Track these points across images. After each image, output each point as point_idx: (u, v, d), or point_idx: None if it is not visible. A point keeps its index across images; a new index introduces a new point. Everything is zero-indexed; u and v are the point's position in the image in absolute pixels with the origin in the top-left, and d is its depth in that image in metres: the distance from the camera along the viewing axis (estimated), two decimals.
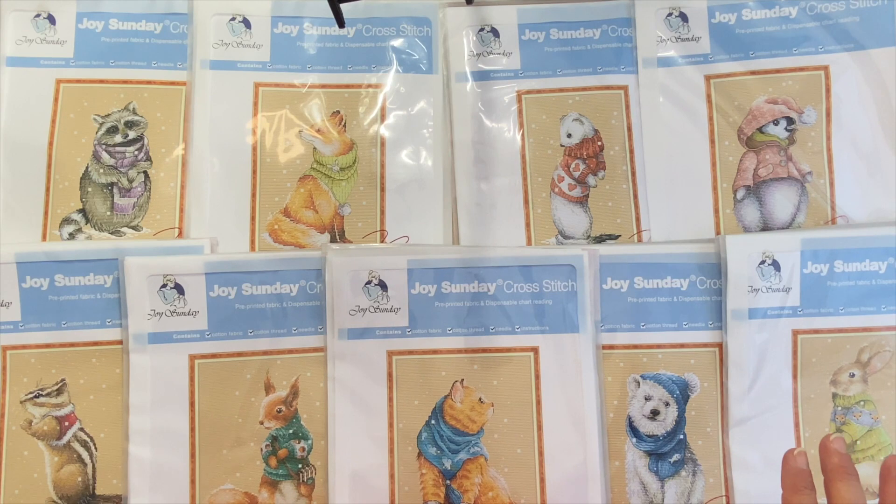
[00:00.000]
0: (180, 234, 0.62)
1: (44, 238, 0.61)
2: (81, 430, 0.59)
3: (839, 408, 0.60)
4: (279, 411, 0.59)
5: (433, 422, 0.59)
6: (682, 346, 0.60)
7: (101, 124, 0.63)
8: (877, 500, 0.59)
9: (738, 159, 0.63)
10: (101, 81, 0.63)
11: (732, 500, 0.59)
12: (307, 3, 0.65)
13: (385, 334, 0.59)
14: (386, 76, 0.65)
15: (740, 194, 0.63)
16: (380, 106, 0.64)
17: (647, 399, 0.60)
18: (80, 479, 0.59)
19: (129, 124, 0.63)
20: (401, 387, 0.59)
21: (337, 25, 0.50)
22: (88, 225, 0.62)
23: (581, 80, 0.65)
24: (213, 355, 0.59)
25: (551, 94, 0.64)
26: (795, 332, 0.59)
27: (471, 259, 0.60)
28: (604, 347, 0.60)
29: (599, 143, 0.64)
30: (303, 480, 0.59)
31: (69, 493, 0.59)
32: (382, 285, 0.60)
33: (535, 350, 0.60)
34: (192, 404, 0.59)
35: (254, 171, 0.63)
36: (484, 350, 0.60)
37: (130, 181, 0.62)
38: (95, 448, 0.59)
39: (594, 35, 0.65)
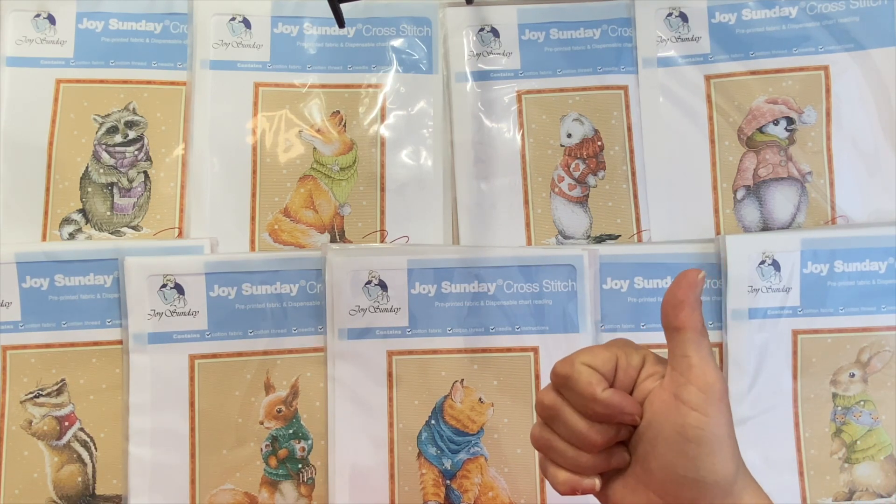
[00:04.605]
0: (180, 234, 0.62)
1: (44, 238, 0.61)
2: (81, 430, 0.59)
3: (839, 408, 0.60)
4: (279, 411, 0.59)
5: (433, 422, 0.59)
6: None
7: (101, 124, 0.63)
8: (876, 500, 0.59)
9: (738, 159, 0.63)
10: (101, 81, 0.63)
11: None
12: (307, 3, 0.65)
13: (385, 334, 0.59)
14: (386, 76, 0.65)
15: (740, 194, 0.63)
16: (380, 106, 0.64)
17: None
18: (80, 479, 0.59)
19: (129, 124, 0.63)
20: (401, 387, 0.59)
21: (337, 25, 0.50)
22: (88, 225, 0.62)
23: (581, 80, 0.65)
24: (213, 355, 0.59)
25: (551, 94, 0.64)
26: (795, 332, 0.59)
27: (471, 259, 0.60)
28: None
29: (599, 143, 0.64)
30: (303, 480, 0.59)
31: (69, 493, 0.59)
32: (382, 285, 0.60)
33: (535, 350, 0.60)
34: (192, 404, 0.59)
35: (254, 171, 0.63)
36: (484, 350, 0.60)
37: (130, 181, 0.62)
38: (95, 448, 0.59)
39: (594, 35, 0.65)
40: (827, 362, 0.59)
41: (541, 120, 0.64)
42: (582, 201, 0.63)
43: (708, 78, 0.64)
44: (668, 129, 0.64)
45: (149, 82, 0.63)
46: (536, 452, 0.59)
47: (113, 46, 0.64)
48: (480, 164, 0.63)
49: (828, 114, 0.63)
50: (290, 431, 0.59)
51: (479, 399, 0.60)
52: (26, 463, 0.59)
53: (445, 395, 0.60)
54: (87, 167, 0.62)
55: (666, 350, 0.60)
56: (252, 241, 0.62)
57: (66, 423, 0.59)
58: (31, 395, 0.59)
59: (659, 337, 0.60)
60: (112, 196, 0.62)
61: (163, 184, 0.62)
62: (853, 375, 0.60)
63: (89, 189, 0.62)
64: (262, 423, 0.59)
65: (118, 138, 0.62)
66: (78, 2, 0.64)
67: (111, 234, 0.62)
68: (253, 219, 0.62)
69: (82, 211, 0.62)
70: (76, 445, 0.59)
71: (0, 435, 0.59)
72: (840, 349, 0.59)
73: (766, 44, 0.64)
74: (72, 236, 0.61)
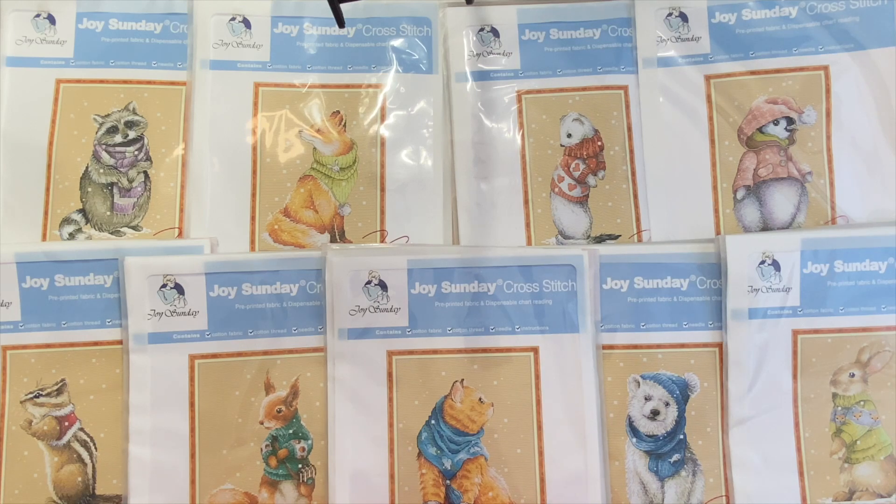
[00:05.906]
0: (180, 234, 0.62)
1: (44, 238, 0.61)
2: (81, 430, 0.59)
3: (839, 408, 0.60)
4: (279, 411, 0.59)
5: (433, 422, 0.59)
6: (682, 346, 0.60)
7: (101, 124, 0.63)
8: (875, 500, 0.59)
9: (738, 159, 0.63)
10: (101, 81, 0.63)
11: (732, 500, 0.59)
12: (307, 3, 0.65)
13: (385, 334, 0.60)
14: (386, 76, 0.65)
15: (740, 194, 0.63)
16: (380, 106, 0.64)
17: (647, 399, 0.60)
18: (80, 479, 0.59)
19: (129, 124, 0.63)
20: (401, 387, 0.59)
21: (337, 25, 0.50)
22: (88, 225, 0.62)
23: (581, 80, 0.65)
24: (213, 355, 0.59)
25: (551, 94, 0.64)
26: (795, 332, 0.59)
27: (471, 259, 0.60)
28: (604, 347, 0.60)
29: (599, 143, 0.64)
30: (303, 480, 0.59)
31: (69, 493, 0.59)
32: (382, 285, 0.60)
33: (535, 350, 0.60)
34: (192, 404, 0.59)
35: (254, 171, 0.63)
36: (484, 350, 0.60)
37: (130, 181, 0.62)
38: (95, 448, 0.59)
39: (594, 35, 0.65)
40: (827, 362, 0.59)
41: (541, 120, 0.64)
42: (582, 201, 0.63)
43: (708, 78, 0.64)
44: (668, 129, 0.64)
45: (149, 82, 0.63)
46: (536, 452, 0.59)
47: (113, 46, 0.64)
48: (480, 164, 0.63)
49: (828, 114, 0.63)
50: (290, 431, 0.59)
51: (479, 399, 0.60)
52: (26, 463, 0.59)
53: (445, 395, 0.60)
54: (87, 167, 0.62)
55: (665, 350, 0.61)
56: (252, 241, 0.62)
57: (66, 423, 0.59)
58: (31, 395, 0.59)
59: (658, 337, 0.60)
60: (112, 196, 0.62)
61: (163, 184, 0.62)
62: (853, 375, 0.60)
63: (89, 189, 0.62)
64: (262, 423, 0.59)
65: (118, 138, 0.63)
66: (78, 2, 0.64)
67: (111, 234, 0.62)
68: (253, 219, 0.62)
69: (82, 211, 0.62)
70: (76, 445, 0.59)
71: (0, 435, 0.59)
72: (840, 349, 0.60)
73: (766, 44, 0.64)
74: (72, 236, 0.61)
